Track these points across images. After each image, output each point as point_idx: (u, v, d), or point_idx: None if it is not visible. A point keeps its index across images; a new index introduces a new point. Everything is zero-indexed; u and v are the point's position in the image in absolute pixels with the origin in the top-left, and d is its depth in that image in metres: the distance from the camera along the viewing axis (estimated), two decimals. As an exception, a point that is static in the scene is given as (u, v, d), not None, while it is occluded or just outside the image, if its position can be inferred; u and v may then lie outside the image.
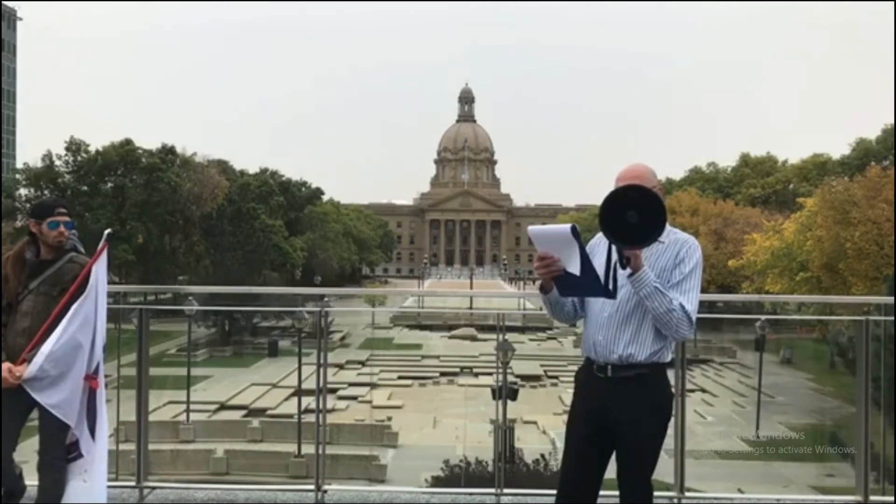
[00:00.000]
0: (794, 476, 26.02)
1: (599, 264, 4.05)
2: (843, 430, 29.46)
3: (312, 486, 6.73)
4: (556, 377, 46.47)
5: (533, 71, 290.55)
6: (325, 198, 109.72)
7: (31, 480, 5.31)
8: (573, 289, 4.18)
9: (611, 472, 4.46)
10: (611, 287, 4.10)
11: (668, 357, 4.37)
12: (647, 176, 4.35)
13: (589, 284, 4.04)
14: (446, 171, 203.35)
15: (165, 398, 35.32)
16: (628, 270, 4.07)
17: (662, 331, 4.23)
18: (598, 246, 4.30)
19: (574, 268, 4.01)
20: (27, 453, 5.34)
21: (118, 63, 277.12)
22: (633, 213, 3.80)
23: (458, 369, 48.72)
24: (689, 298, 4.18)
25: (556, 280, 4.15)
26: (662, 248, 4.25)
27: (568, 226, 3.98)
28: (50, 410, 5.02)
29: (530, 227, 4.17)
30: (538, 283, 4.37)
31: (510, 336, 9.13)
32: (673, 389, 4.51)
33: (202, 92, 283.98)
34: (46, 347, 4.96)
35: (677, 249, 4.27)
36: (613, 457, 4.42)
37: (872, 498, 6.50)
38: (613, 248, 4.08)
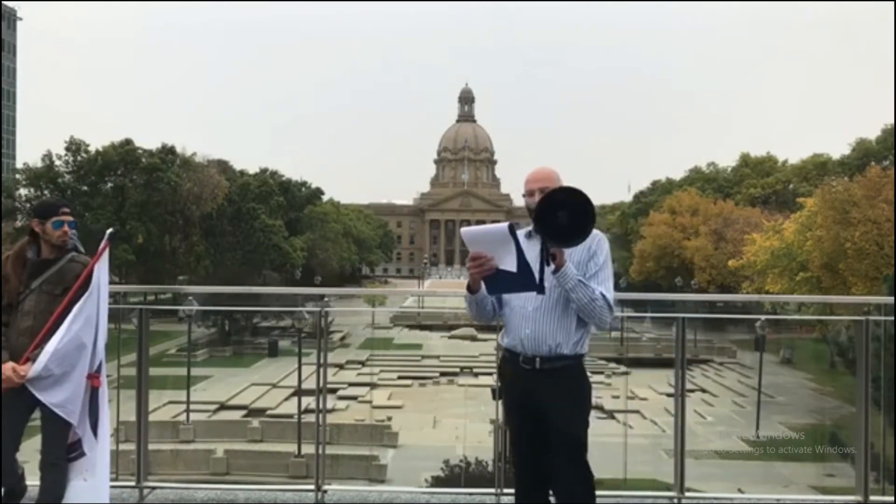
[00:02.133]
0: (794, 476, 26.05)
1: (531, 260, 4.21)
2: (843, 430, 29.49)
3: (312, 486, 6.74)
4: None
5: (533, 71, 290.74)
6: (325, 198, 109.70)
7: (33, 480, 5.31)
8: (504, 286, 4.38)
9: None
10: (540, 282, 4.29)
11: (587, 347, 4.61)
12: (554, 178, 4.61)
13: (523, 280, 4.21)
14: (446, 171, 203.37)
15: (165, 398, 35.33)
16: (552, 266, 4.28)
17: (586, 320, 4.48)
18: (523, 244, 4.44)
19: (510, 265, 4.19)
20: (28, 453, 5.35)
21: (118, 63, 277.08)
22: (564, 213, 4.02)
23: (458, 369, 48.76)
24: (606, 287, 4.46)
25: (485, 279, 4.34)
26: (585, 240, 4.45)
27: (505, 224, 4.19)
28: (53, 409, 5.03)
29: (463, 229, 4.38)
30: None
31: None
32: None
33: (202, 92, 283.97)
34: (51, 346, 4.97)
35: (588, 243, 4.47)
36: None
37: (872, 498, 6.50)
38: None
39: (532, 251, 4.25)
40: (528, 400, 4.54)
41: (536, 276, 4.22)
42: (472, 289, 4.52)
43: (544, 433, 4.51)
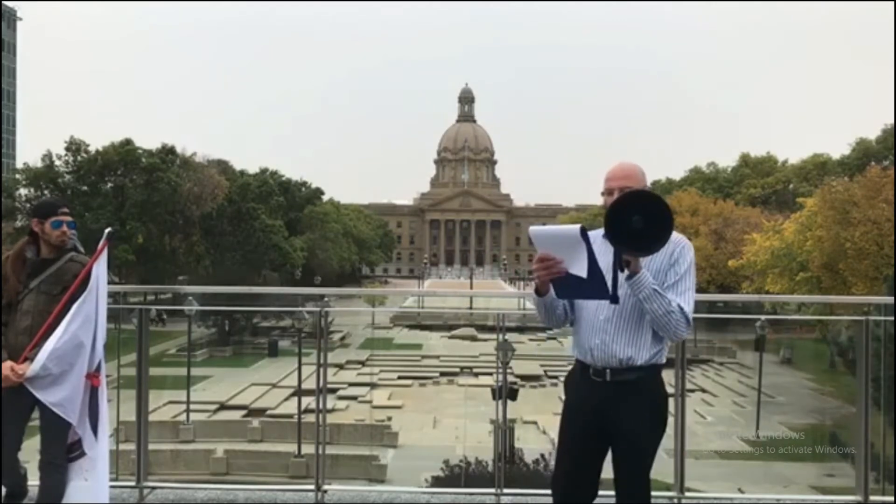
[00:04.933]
0: (794, 476, 26.02)
1: (604, 267, 3.98)
2: (843, 430, 29.49)
3: (312, 486, 6.73)
4: (556, 377, 46.40)
5: (533, 71, 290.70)
6: (325, 198, 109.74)
7: (33, 480, 5.31)
8: (574, 291, 4.12)
9: (606, 472, 4.47)
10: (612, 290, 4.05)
11: (664, 359, 4.35)
12: (637, 175, 4.35)
13: (593, 287, 3.98)
14: (446, 171, 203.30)
15: (165, 398, 35.34)
16: (626, 273, 4.03)
17: (660, 332, 4.21)
18: (597, 248, 4.25)
19: (580, 270, 3.95)
20: (29, 453, 5.34)
21: (118, 63, 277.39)
22: (639, 218, 3.76)
23: (458, 369, 48.75)
24: (685, 299, 4.16)
25: (554, 282, 4.10)
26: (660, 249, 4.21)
27: (577, 227, 3.93)
28: (52, 409, 5.03)
29: (531, 228, 4.11)
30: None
31: (510, 336, 9.10)
32: (669, 389, 4.51)
33: (202, 92, 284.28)
34: (49, 345, 4.97)
35: (671, 250, 4.21)
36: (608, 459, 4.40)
37: (872, 498, 6.49)
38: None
39: (607, 256, 4.01)
40: (593, 408, 4.30)
41: (609, 283, 3.99)
42: (539, 291, 4.24)
43: (606, 442, 4.31)
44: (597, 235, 4.13)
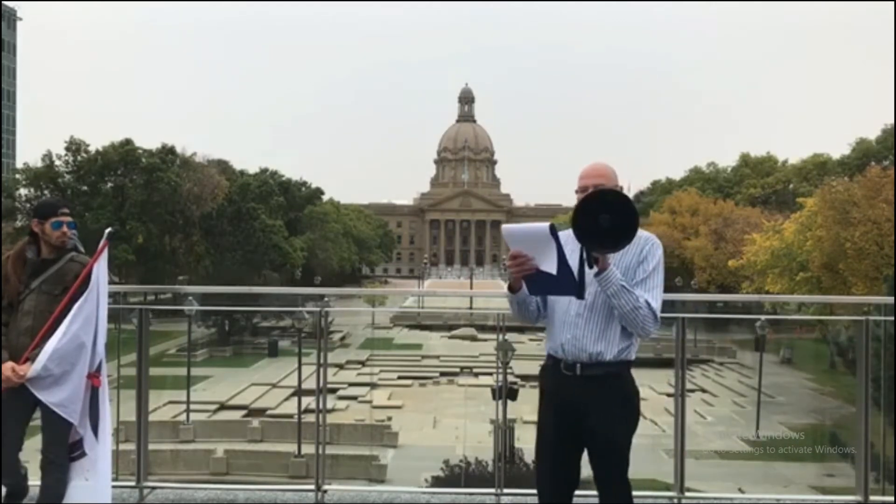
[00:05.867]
0: (794, 476, 26.03)
1: (572, 264, 4.08)
2: (843, 430, 29.48)
3: (312, 486, 6.74)
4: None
5: (533, 71, 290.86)
6: (325, 198, 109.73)
7: (34, 480, 5.31)
8: (544, 288, 4.25)
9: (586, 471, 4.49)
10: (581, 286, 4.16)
11: (634, 355, 4.42)
12: (610, 175, 4.43)
13: (562, 283, 4.08)
14: (446, 171, 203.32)
15: (165, 398, 35.34)
16: (595, 269, 4.12)
17: (628, 328, 4.29)
18: (566, 246, 4.27)
19: (549, 266, 4.06)
20: (30, 453, 5.35)
21: (118, 63, 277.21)
22: (606, 216, 3.84)
23: (458, 369, 48.75)
24: (653, 296, 4.25)
25: (526, 279, 4.21)
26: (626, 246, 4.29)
27: (546, 224, 4.03)
28: (53, 409, 5.04)
29: (503, 226, 4.23)
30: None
31: (510, 336, 9.11)
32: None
33: (202, 92, 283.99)
34: (50, 346, 4.98)
35: (641, 247, 4.31)
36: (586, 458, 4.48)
37: (872, 498, 6.50)
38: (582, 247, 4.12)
39: (577, 253, 4.11)
40: (568, 405, 4.39)
41: (577, 279, 4.08)
42: (512, 288, 4.36)
43: (581, 439, 4.39)
44: (569, 233, 4.19)
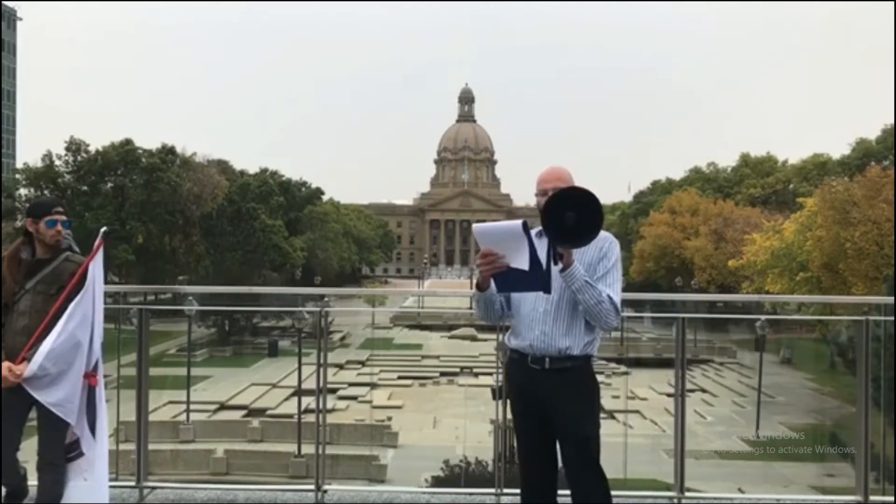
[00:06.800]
0: (794, 476, 26.03)
1: (543, 260, 4.19)
2: (843, 430, 29.49)
3: (312, 486, 6.74)
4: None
5: (533, 71, 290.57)
6: (325, 198, 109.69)
7: (33, 480, 5.31)
8: (514, 284, 4.36)
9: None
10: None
11: (596, 350, 4.61)
12: (567, 178, 4.58)
13: (533, 280, 4.19)
14: (446, 171, 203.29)
15: (165, 398, 35.34)
16: (559, 266, 4.24)
17: (592, 322, 4.46)
18: (535, 243, 4.38)
19: (521, 263, 4.16)
20: (28, 453, 5.35)
21: (118, 63, 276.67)
22: (572, 214, 3.97)
23: (458, 369, 48.77)
24: (614, 290, 4.44)
25: (495, 277, 4.31)
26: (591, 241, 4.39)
27: (519, 222, 4.15)
28: (50, 409, 5.03)
29: (475, 226, 4.34)
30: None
31: (510, 336, 9.03)
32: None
33: (202, 92, 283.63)
34: (46, 345, 4.96)
35: (600, 245, 4.48)
36: None
37: (872, 498, 6.49)
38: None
39: (543, 250, 4.22)
40: (536, 399, 4.53)
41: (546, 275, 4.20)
42: (480, 286, 4.48)
43: (553, 433, 4.53)
44: (536, 231, 4.32)
